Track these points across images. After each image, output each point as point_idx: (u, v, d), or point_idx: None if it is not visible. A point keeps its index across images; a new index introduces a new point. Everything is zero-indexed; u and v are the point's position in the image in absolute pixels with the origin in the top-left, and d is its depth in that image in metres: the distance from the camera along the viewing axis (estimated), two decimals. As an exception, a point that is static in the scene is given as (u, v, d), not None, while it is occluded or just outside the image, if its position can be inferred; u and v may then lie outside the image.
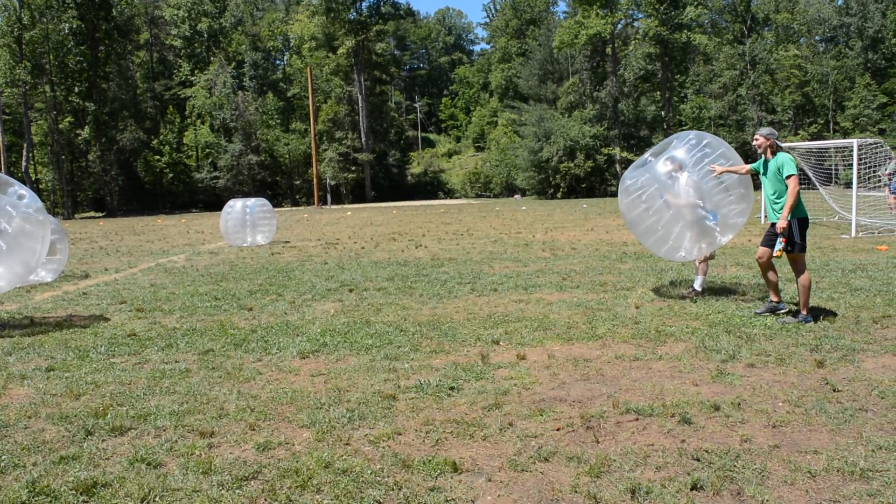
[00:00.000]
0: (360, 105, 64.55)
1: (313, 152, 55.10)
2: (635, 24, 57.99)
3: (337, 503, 3.48)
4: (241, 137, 60.36)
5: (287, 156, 64.48)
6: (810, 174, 20.25)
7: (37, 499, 3.60)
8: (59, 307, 9.47)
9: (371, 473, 3.78)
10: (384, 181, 67.88)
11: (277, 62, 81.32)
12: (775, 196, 7.13)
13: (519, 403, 4.86)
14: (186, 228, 29.38)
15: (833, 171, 25.58)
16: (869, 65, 56.00)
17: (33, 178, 53.98)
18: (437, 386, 5.26)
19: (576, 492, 3.53)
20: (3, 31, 49.30)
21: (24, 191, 8.29)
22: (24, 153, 51.81)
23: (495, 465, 3.86)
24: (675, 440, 4.13)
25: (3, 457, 4.14)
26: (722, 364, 5.63)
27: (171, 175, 60.35)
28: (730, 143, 10.66)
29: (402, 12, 71.14)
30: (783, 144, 7.98)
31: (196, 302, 9.47)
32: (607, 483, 3.60)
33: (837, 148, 22.85)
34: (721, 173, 7.81)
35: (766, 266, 7.20)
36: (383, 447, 4.15)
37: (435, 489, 3.59)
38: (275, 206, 24.25)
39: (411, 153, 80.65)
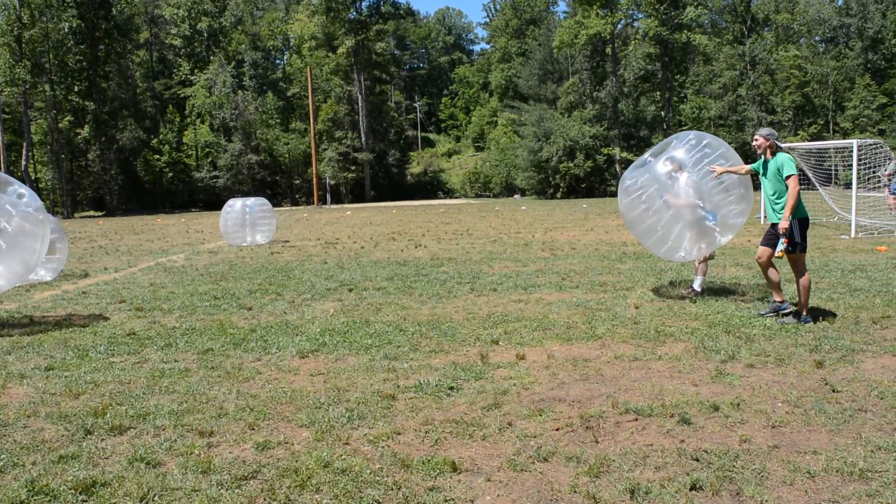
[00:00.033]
0: (360, 105, 64.54)
1: (313, 152, 55.09)
2: (635, 24, 58.03)
3: (336, 503, 3.48)
4: (240, 137, 60.34)
5: (287, 155, 64.47)
6: (810, 175, 20.26)
7: (36, 498, 3.59)
8: (58, 306, 9.47)
9: (370, 473, 3.78)
10: (384, 181, 67.87)
11: (277, 61, 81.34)
12: (775, 196, 7.13)
13: (518, 403, 4.86)
14: (186, 228, 29.37)
15: (833, 172, 25.60)
16: (869, 65, 56.02)
17: (33, 177, 53.94)
18: (436, 386, 5.26)
19: (575, 492, 3.53)
20: (3, 30, 49.27)
21: (24, 190, 8.29)
22: (24, 152, 51.78)
23: (494, 465, 3.86)
24: (675, 440, 4.13)
25: (3, 456, 4.14)
26: (721, 364, 5.63)
27: (170, 174, 60.35)
28: (729, 143, 10.67)
29: (401, 12, 71.10)
30: (783, 145, 7.97)
31: (195, 301, 9.46)
32: (606, 483, 3.61)
33: (837, 148, 22.86)
34: (721, 174, 7.81)
35: (766, 266, 7.20)
36: (382, 447, 4.15)
37: (434, 489, 3.59)
38: (274, 205, 24.25)
39: (411, 153, 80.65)
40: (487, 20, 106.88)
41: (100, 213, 55.21)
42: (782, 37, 59.11)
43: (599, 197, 50.26)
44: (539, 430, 4.35)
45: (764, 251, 7.15)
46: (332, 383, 5.45)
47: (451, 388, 5.20)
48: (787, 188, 6.96)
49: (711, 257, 8.72)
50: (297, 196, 65.37)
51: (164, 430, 4.53)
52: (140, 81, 66.37)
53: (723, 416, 4.49)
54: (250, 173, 60.26)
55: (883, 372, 5.33)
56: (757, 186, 9.68)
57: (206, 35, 65.78)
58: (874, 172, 19.93)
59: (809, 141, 41.25)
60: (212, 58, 64.11)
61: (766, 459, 3.83)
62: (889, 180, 19.75)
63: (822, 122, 54.20)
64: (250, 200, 18.99)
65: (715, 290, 8.93)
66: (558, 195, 52.79)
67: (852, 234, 15.60)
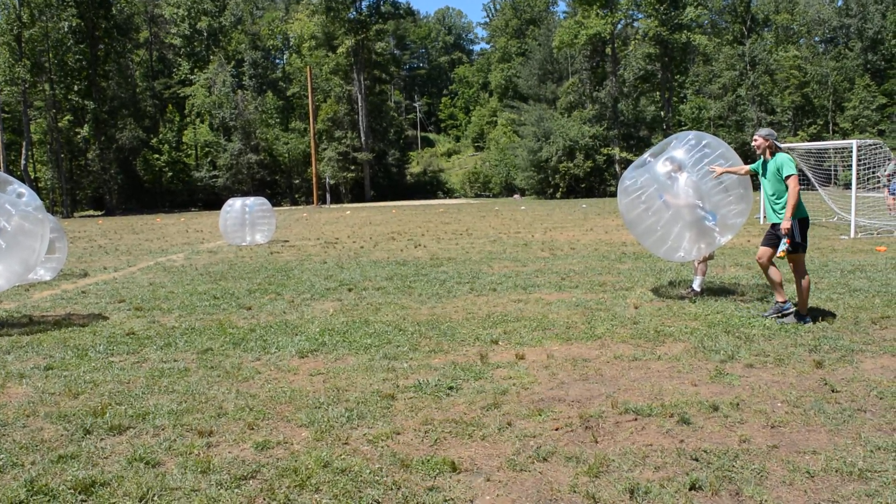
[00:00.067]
0: (360, 104, 64.53)
1: (312, 151, 55.07)
2: (635, 24, 58.02)
3: (335, 502, 3.48)
4: (240, 136, 60.33)
5: (286, 155, 64.45)
6: (809, 175, 20.27)
7: (35, 498, 3.59)
8: (57, 306, 9.46)
9: (370, 473, 3.78)
10: (383, 181, 67.87)
11: (277, 61, 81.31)
12: (775, 197, 7.13)
13: (518, 403, 4.86)
14: (185, 227, 29.37)
15: (832, 172, 25.61)
16: (868, 66, 56.04)
17: (32, 177, 53.92)
18: (435, 385, 5.26)
19: (574, 492, 3.53)
20: (3, 30, 49.22)
21: (24, 189, 8.28)
22: (24, 151, 51.75)
23: (494, 465, 3.86)
24: (674, 440, 4.13)
25: (2, 455, 4.14)
26: (721, 364, 5.63)
27: (170, 174, 60.32)
28: (729, 143, 10.67)
29: (401, 12, 71.12)
30: (782, 145, 7.95)
31: (195, 301, 9.46)
32: (606, 483, 3.61)
33: (837, 149, 22.86)
34: (721, 174, 7.81)
35: (767, 266, 7.19)
36: (382, 447, 4.14)
37: (433, 489, 3.59)
38: (274, 205, 24.25)
39: (411, 153, 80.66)
40: (487, 20, 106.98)
41: (99, 213, 55.20)
42: (782, 37, 59.15)
43: (599, 197, 50.28)
44: (538, 430, 4.35)
45: (764, 251, 7.15)
46: (331, 383, 5.45)
47: (451, 388, 5.20)
48: (786, 188, 6.96)
49: (711, 257, 8.73)
50: (296, 196, 65.37)
51: (163, 429, 4.53)
52: (140, 81, 66.36)
53: (722, 415, 4.49)
54: (250, 173, 60.25)
55: (882, 372, 5.33)
56: (756, 187, 9.68)
57: (205, 34, 65.76)
58: (874, 173, 19.94)
59: (809, 141, 41.26)
60: (211, 57, 64.10)
61: (765, 459, 3.83)
62: (889, 180, 19.76)
63: (821, 123, 54.22)
64: (250, 200, 18.99)
65: (714, 291, 8.93)
66: (558, 195, 52.81)
67: (852, 235, 15.61)
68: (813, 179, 20.41)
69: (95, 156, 53.80)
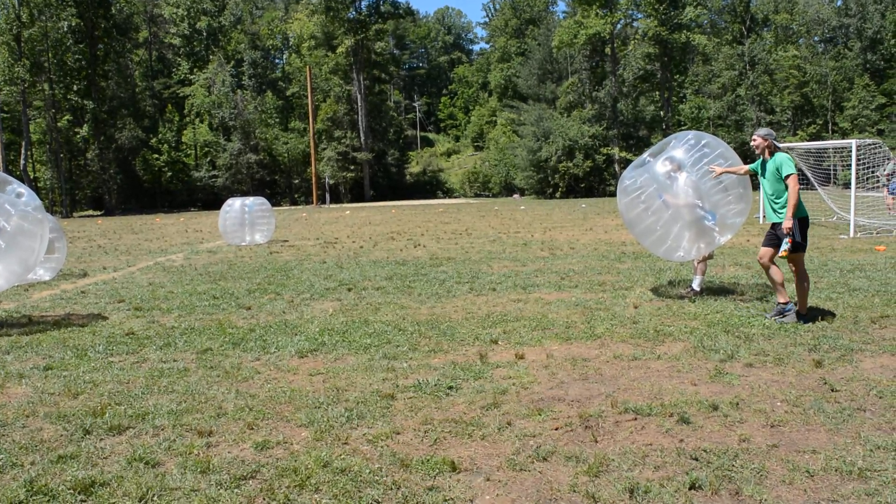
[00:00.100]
0: (359, 104, 64.53)
1: (312, 151, 55.06)
2: (635, 24, 58.00)
3: (335, 502, 3.48)
4: (239, 136, 60.31)
5: (286, 155, 64.44)
6: (809, 174, 20.27)
7: (35, 498, 3.59)
8: (57, 306, 9.46)
9: (369, 473, 3.78)
10: (383, 180, 67.86)
11: (276, 61, 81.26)
12: (774, 196, 7.12)
13: (517, 403, 4.86)
14: (185, 227, 29.36)
15: (832, 172, 25.62)
16: (868, 66, 56.05)
17: (32, 177, 53.89)
18: (435, 385, 5.26)
19: (574, 491, 3.53)
20: (2, 29, 49.18)
21: (23, 189, 8.28)
22: (23, 151, 51.73)
23: (494, 465, 3.86)
24: (674, 440, 4.13)
25: (1, 455, 4.13)
26: (720, 364, 5.63)
27: (169, 174, 60.28)
28: (728, 143, 10.69)
29: (401, 11, 71.08)
30: (781, 145, 7.95)
31: (194, 301, 9.46)
32: (606, 482, 3.61)
33: (836, 148, 22.86)
34: (720, 174, 7.81)
35: (768, 266, 7.18)
36: (382, 446, 4.14)
37: (433, 488, 3.59)
38: (273, 204, 24.25)
39: (410, 152, 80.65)
40: (487, 20, 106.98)
41: (98, 213, 55.19)
42: (781, 37, 59.14)
43: (598, 197, 50.28)
44: (538, 430, 4.35)
45: (766, 252, 7.14)
46: (331, 383, 5.44)
47: (451, 388, 5.20)
48: (786, 188, 6.95)
49: (710, 257, 8.73)
50: (296, 195, 65.36)
51: (162, 429, 4.52)
52: (139, 80, 66.33)
53: (722, 415, 4.50)
54: (249, 173, 60.23)
55: (882, 371, 5.33)
56: (756, 186, 9.68)
57: (205, 34, 65.72)
58: (873, 172, 19.95)
59: (808, 141, 41.29)
60: (211, 57, 64.07)
61: (765, 458, 3.83)
62: (888, 180, 19.77)
63: (820, 123, 54.24)
64: (249, 200, 18.99)
65: (714, 290, 8.93)
66: (557, 195, 52.81)
67: (851, 234, 15.61)
68: (812, 179, 20.41)
69: (95, 156, 53.79)
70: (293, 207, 55.02)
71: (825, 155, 23.46)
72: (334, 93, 64.35)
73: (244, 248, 17.54)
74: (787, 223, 6.79)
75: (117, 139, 57.65)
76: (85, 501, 3.57)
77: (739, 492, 3.47)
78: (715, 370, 5.45)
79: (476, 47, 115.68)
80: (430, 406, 4.84)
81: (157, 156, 59.81)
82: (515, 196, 59.53)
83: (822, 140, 42.17)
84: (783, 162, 7.01)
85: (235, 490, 3.62)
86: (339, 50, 63.25)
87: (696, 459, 3.84)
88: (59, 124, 52.09)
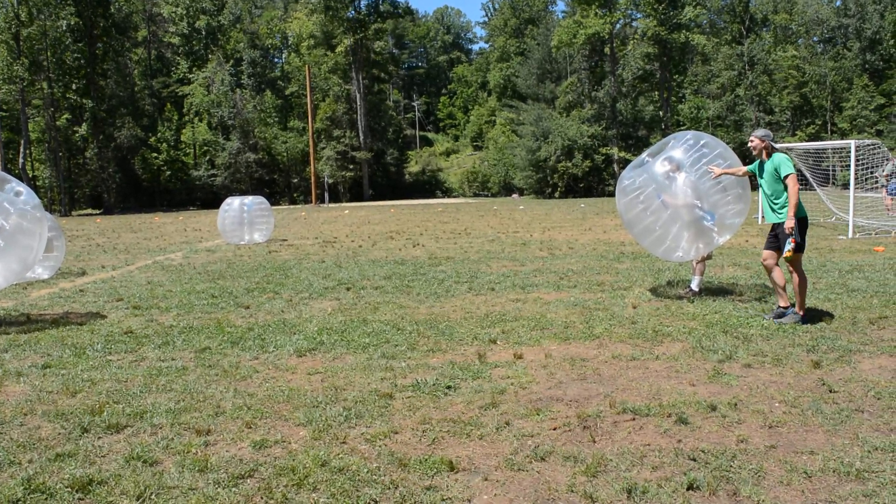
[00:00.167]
0: (359, 103, 64.52)
1: (311, 150, 55.03)
2: (634, 23, 58.03)
3: (333, 502, 3.48)
4: (238, 135, 60.26)
5: (285, 154, 64.40)
6: (808, 175, 20.28)
7: (32, 496, 3.59)
8: (55, 304, 9.45)
9: (367, 472, 3.78)
10: (382, 180, 67.85)
11: (276, 60, 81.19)
12: (773, 197, 7.12)
13: (516, 403, 4.86)
14: (184, 226, 29.34)
15: (831, 173, 25.64)
16: (867, 66, 56.10)
17: (30, 175, 53.82)
18: (433, 385, 5.26)
19: (572, 491, 3.53)
20: (1, 28, 49.11)
21: (22, 188, 8.27)
22: (22, 150, 51.68)
23: (492, 465, 3.86)
24: (672, 440, 4.13)
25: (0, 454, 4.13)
26: (719, 364, 5.64)
27: (168, 172, 60.24)
28: (727, 143, 10.68)
29: (400, 11, 71.10)
30: (781, 145, 7.98)
31: (193, 300, 9.45)
32: (604, 483, 3.61)
33: (835, 149, 22.89)
34: (719, 175, 7.81)
35: (772, 268, 7.18)
36: (380, 446, 4.14)
37: (431, 488, 3.59)
38: (272, 204, 24.24)
39: (409, 152, 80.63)
40: (486, 19, 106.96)
41: (97, 211, 55.14)
42: (780, 37, 59.20)
43: (597, 196, 50.29)
44: (536, 430, 4.35)
45: (769, 254, 7.14)
46: (329, 382, 5.44)
47: (449, 388, 5.20)
48: (784, 188, 6.95)
49: (709, 257, 8.73)
50: (295, 195, 65.33)
51: (161, 428, 4.52)
52: (138, 79, 66.26)
53: (720, 416, 4.50)
54: (248, 172, 60.19)
55: (880, 372, 5.33)
56: (755, 187, 9.68)
57: (204, 33, 65.69)
58: (872, 173, 19.96)
59: (807, 141, 41.31)
60: (210, 56, 64.03)
61: (763, 459, 3.83)
62: (887, 181, 19.79)
63: (819, 123, 54.30)
64: (248, 199, 18.98)
65: (713, 290, 8.94)
66: (556, 195, 52.81)
67: (850, 235, 15.62)
68: (811, 179, 20.43)
69: (94, 154, 53.74)
70: (292, 207, 55.00)
71: (824, 155, 23.48)
72: (333, 92, 64.33)
73: (243, 247, 17.53)
74: (789, 223, 6.77)
75: (116, 138, 57.60)
76: (83, 500, 3.56)
77: (737, 492, 3.47)
78: (713, 371, 5.45)
79: (475, 47, 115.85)
80: (429, 405, 4.84)
81: (155, 155, 59.77)
82: (514, 196, 59.55)
83: (821, 140, 42.20)
84: (781, 162, 7.01)
85: (233, 489, 3.62)
86: (339, 49, 63.23)
87: (694, 460, 3.84)
88: (57, 123, 52.04)
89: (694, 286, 8.61)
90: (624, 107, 54.89)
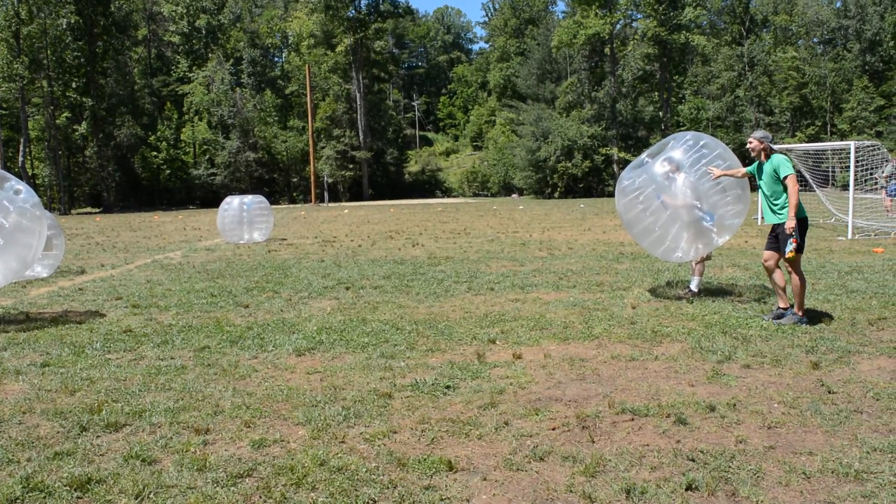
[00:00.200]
0: (359, 103, 64.51)
1: (311, 150, 55.03)
2: (634, 24, 58.01)
3: (332, 501, 3.48)
4: (238, 134, 60.24)
5: (285, 153, 64.38)
6: (807, 176, 20.29)
7: (31, 494, 3.59)
8: (54, 303, 9.45)
9: (366, 472, 3.77)
10: (382, 179, 67.85)
11: (276, 59, 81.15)
12: (773, 198, 7.12)
13: (515, 403, 4.86)
14: (183, 225, 29.33)
15: (830, 174, 25.65)
16: (867, 67, 56.14)
17: (30, 174, 53.83)
18: (432, 384, 5.25)
19: (571, 491, 3.53)
20: (1, 26, 49.14)
21: (21, 186, 8.27)
22: (21, 148, 51.68)
23: (490, 465, 3.86)
24: (671, 440, 4.13)
25: (-3, 452, 4.13)
26: (718, 365, 5.64)
27: (168, 171, 60.23)
28: (727, 144, 10.66)
29: (400, 10, 71.07)
30: (781, 146, 8.00)
31: (192, 299, 9.45)
32: (602, 483, 3.61)
33: (835, 150, 22.89)
34: (719, 177, 7.82)
35: (773, 269, 7.17)
36: (378, 445, 4.14)
37: (430, 488, 3.59)
38: (272, 203, 24.23)
39: (409, 151, 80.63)
40: (486, 19, 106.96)
41: (97, 210, 55.11)
42: (780, 38, 59.21)
43: (597, 197, 50.28)
44: (535, 430, 4.35)
45: (770, 255, 7.14)
46: (328, 381, 5.44)
47: (448, 387, 5.20)
48: (784, 189, 6.95)
49: (708, 258, 8.74)
50: (294, 194, 65.31)
51: (159, 427, 4.52)
52: (138, 78, 66.24)
53: (719, 416, 4.50)
54: (248, 171, 60.17)
55: (879, 373, 5.33)
56: (755, 188, 9.69)
57: (204, 32, 65.67)
58: (871, 174, 19.97)
59: (807, 142, 41.32)
60: (210, 55, 64.00)
61: (761, 460, 3.83)
62: (886, 182, 19.79)
63: (819, 124, 54.33)
64: (248, 198, 18.98)
65: (712, 291, 8.94)
66: (556, 195, 52.81)
67: (849, 236, 15.63)
68: (811, 181, 20.44)
69: (93, 153, 53.72)
70: (292, 206, 54.99)
71: (824, 157, 23.49)
72: (333, 91, 64.31)
73: (242, 246, 17.53)
74: (790, 223, 6.76)
75: (116, 136, 57.59)
76: (81, 498, 3.56)
77: (736, 493, 3.47)
78: (712, 371, 5.45)
79: (475, 47, 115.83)
80: (428, 405, 4.84)
81: (155, 153, 59.76)
82: (514, 196, 59.55)
83: (821, 142, 42.22)
84: (780, 163, 7.01)
85: (232, 488, 3.62)
86: (339, 49, 63.21)
87: (693, 460, 3.84)
88: (57, 121, 52.04)
89: (693, 287, 8.61)
90: (624, 107, 54.89)
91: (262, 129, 62.75)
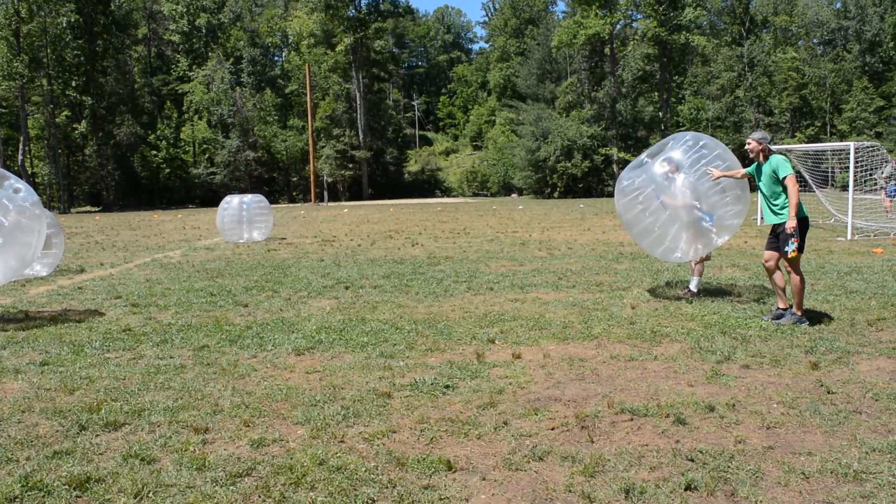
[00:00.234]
0: (358, 102, 64.50)
1: (311, 149, 55.03)
2: (634, 24, 58.01)
3: (331, 500, 3.48)
4: (238, 133, 60.22)
5: (284, 152, 64.37)
6: (807, 177, 20.30)
7: (30, 493, 3.58)
8: (53, 301, 9.44)
9: (365, 471, 3.77)
10: (381, 179, 67.85)
11: (276, 58, 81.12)
12: (772, 198, 7.13)
13: (514, 402, 4.86)
14: (183, 224, 29.32)
15: (830, 174, 25.66)
16: (866, 68, 56.16)
17: (29, 172, 53.77)
18: (432, 384, 5.25)
19: (570, 491, 3.53)
20: (1, 25, 49.12)
21: (21, 185, 8.26)
22: (21, 147, 51.64)
23: (489, 464, 3.86)
24: (670, 440, 4.13)
25: (-4, 451, 4.13)
26: (717, 365, 5.64)
27: (167, 170, 60.20)
28: (727, 144, 10.68)
29: (400, 10, 71.09)
30: (780, 147, 8.02)
31: (191, 298, 9.45)
32: (601, 483, 3.61)
33: (834, 151, 22.90)
34: (718, 178, 7.82)
35: (773, 270, 7.17)
36: (378, 445, 4.14)
37: (429, 487, 3.59)
38: (272, 202, 24.22)
39: (409, 151, 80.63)
40: (486, 19, 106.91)
41: (96, 209, 55.09)
42: (780, 39, 59.24)
43: (597, 197, 50.29)
44: (534, 430, 4.35)
45: (770, 255, 7.14)
46: (327, 381, 5.44)
47: (447, 387, 5.20)
48: (783, 189, 6.96)
49: (708, 258, 8.74)
50: (294, 193, 65.29)
51: (158, 426, 4.52)
52: (138, 77, 66.21)
53: (718, 416, 4.50)
54: (248, 170, 60.15)
55: (878, 374, 5.34)
56: (755, 188, 9.67)
57: (204, 31, 65.62)
58: (871, 175, 19.98)
59: (807, 143, 41.34)
60: (210, 54, 63.96)
61: (760, 460, 3.83)
62: (886, 183, 19.80)
63: (819, 125, 54.36)
64: (247, 197, 18.97)
65: (711, 291, 8.94)
66: (556, 195, 52.82)
67: (848, 237, 15.64)
68: (810, 181, 20.44)
69: (93, 152, 53.70)
70: (291, 205, 54.97)
71: (823, 157, 23.49)
72: (333, 91, 64.31)
73: (242, 246, 17.53)
74: (791, 223, 6.76)
75: (116, 135, 57.56)
76: (80, 497, 3.56)
77: (735, 493, 3.47)
78: (711, 371, 5.45)
79: (475, 47, 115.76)
80: (427, 405, 4.84)
81: (155, 152, 59.72)
82: (514, 196, 59.55)
83: (821, 142, 42.23)
84: (779, 164, 7.01)
85: (231, 487, 3.62)
86: (339, 48, 63.21)
87: (692, 460, 3.84)
88: (57, 120, 52.02)
89: (692, 287, 8.62)
90: (623, 107, 54.89)
91: (262, 128, 62.74)
